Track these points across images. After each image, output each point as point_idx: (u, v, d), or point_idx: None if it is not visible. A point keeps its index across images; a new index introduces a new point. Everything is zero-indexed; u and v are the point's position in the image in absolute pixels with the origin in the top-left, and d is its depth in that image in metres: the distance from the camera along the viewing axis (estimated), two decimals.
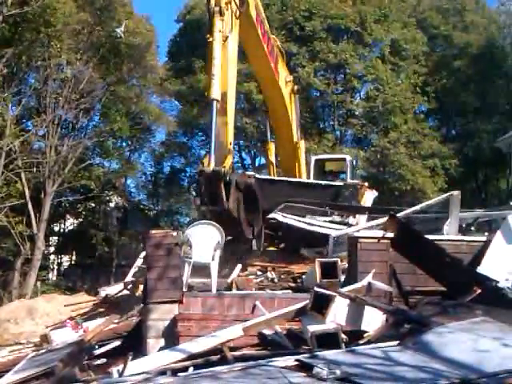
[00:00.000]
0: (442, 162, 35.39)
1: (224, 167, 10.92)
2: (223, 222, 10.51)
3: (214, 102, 11.17)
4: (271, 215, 13.01)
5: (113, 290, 14.33)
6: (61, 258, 38.77)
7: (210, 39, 11.52)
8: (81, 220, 38.42)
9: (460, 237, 9.96)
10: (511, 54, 39.03)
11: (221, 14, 11.55)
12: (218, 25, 11.52)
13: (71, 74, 29.74)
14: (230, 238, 11.97)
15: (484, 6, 42.66)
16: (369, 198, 15.87)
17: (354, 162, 20.74)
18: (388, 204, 22.76)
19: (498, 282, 7.60)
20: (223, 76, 11.56)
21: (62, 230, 38.44)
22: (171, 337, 8.24)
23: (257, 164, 42.44)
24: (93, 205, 37.32)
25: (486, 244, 8.24)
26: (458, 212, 11.26)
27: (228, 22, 11.90)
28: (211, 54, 11.45)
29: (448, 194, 12.03)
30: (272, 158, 19.20)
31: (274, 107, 17.96)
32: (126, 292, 13.22)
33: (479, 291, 7.48)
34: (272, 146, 19.26)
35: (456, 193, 11.57)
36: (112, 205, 39.05)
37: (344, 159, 19.67)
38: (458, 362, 5.59)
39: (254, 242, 13.23)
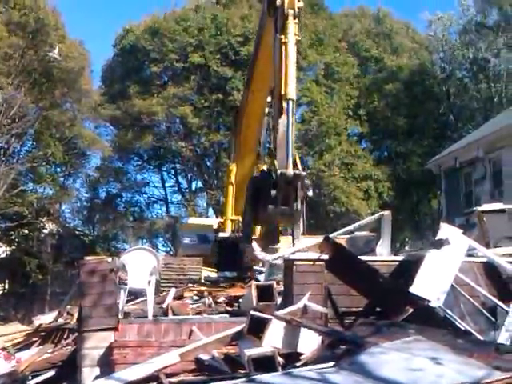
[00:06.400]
0: (376, 184, 36.04)
1: (301, 170, 11.17)
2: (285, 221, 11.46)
3: (291, 102, 11.25)
4: None
5: (47, 318, 14.03)
6: None
7: (284, 40, 11.70)
8: (14, 247, 37.54)
9: (392, 257, 10.13)
10: (440, 78, 40.20)
11: (294, 17, 11.89)
12: (292, 27, 11.82)
13: (2, 98, 29.22)
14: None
15: (414, 30, 43.97)
16: None
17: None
18: (323, 226, 23.03)
19: (429, 301, 7.75)
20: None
21: None
22: (107, 365, 8.09)
23: (193, 188, 42.44)
24: (26, 231, 36.52)
25: (418, 263, 8.39)
26: (389, 232, 11.41)
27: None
28: (286, 55, 11.59)
29: (379, 213, 12.18)
30: (232, 180, 19.35)
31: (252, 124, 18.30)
32: (60, 321, 12.97)
33: (412, 311, 7.62)
34: (234, 168, 19.42)
35: (387, 213, 11.72)
36: (46, 231, 38.28)
37: None
38: (392, 382, 5.66)
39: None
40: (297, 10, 12.13)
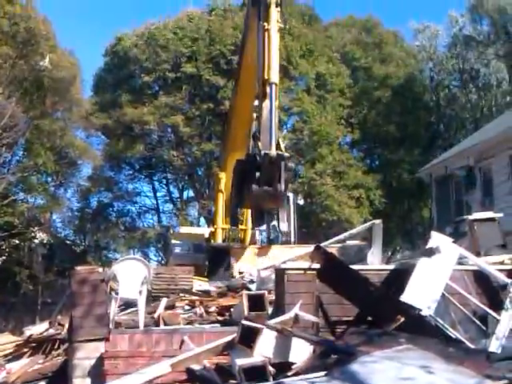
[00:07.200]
0: (367, 192, 36.09)
1: (284, 151, 11.29)
2: (269, 203, 11.41)
3: (273, 86, 11.40)
4: None
5: (38, 329, 13.96)
6: None
7: (267, 27, 11.87)
8: (4, 257, 37.34)
9: (383, 266, 10.13)
10: (430, 87, 40.40)
11: (276, 5, 12.07)
12: (275, 15, 12.04)
13: None
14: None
15: (402, 40, 44.23)
16: None
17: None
18: (315, 235, 23.01)
19: (420, 310, 7.76)
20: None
21: None
22: (98, 376, 8.07)
23: (185, 197, 42.39)
24: (17, 241, 36.31)
25: (409, 272, 8.40)
26: (380, 241, 11.40)
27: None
28: (269, 41, 11.77)
29: (370, 222, 12.17)
30: (222, 188, 19.36)
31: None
32: (51, 331, 12.91)
33: (403, 319, 7.63)
34: (223, 176, 19.42)
35: (378, 221, 11.71)
36: (37, 241, 38.10)
37: None
38: None
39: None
40: None
